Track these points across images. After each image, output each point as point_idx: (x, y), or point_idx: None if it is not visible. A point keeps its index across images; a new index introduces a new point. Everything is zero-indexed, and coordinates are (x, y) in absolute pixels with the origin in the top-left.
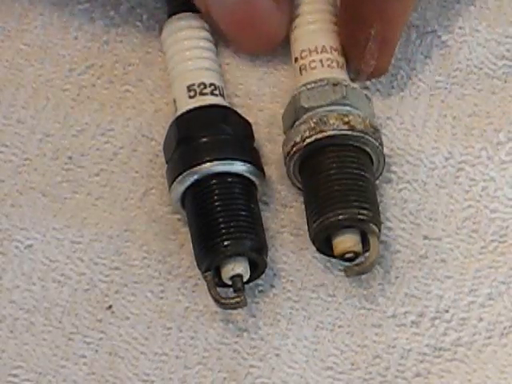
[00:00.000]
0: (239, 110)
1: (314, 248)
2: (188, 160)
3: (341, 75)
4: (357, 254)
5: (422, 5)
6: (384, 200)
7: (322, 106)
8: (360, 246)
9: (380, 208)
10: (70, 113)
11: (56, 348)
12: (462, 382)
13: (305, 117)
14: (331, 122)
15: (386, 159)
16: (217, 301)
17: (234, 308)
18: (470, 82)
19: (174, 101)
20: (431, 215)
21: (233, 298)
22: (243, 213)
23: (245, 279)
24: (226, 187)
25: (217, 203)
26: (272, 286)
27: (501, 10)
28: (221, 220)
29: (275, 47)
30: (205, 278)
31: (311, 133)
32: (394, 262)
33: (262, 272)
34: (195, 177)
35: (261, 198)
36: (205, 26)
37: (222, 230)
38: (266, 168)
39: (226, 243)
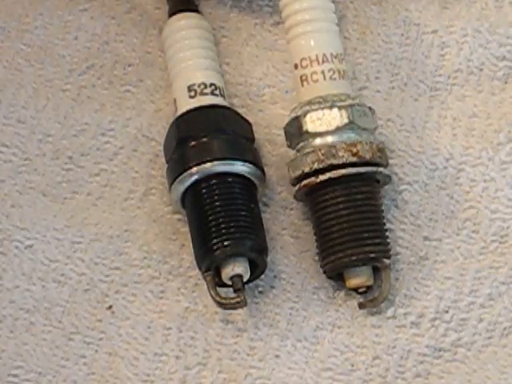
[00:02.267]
0: (239, 111)
1: (313, 250)
2: (188, 160)
3: (344, 88)
4: (369, 288)
5: (423, 5)
6: (385, 201)
7: (328, 133)
8: (372, 279)
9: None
10: (70, 113)
11: (56, 348)
12: (462, 382)
13: (311, 141)
14: (340, 154)
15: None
16: (217, 301)
17: (234, 308)
18: (471, 83)
19: (175, 100)
20: (432, 216)
21: (233, 299)
22: (243, 213)
23: (245, 279)
24: (226, 187)
25: (217, 203)
26: (272, 287)
27: (502, 11)
28: (221, 220)
29: None
30: (205, 278)
31: (320, 165)
32: (394, 264)
33: (262, 272)
34: (195, 177)
35: (261, 200)
36: (205, 25)
37: (222, 230)
38: (266, 169)
39: (226, 243)
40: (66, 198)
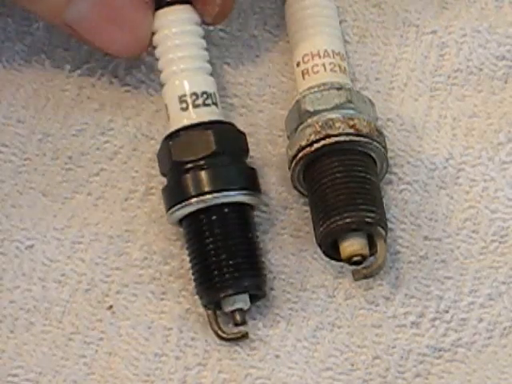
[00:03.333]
0: (239, 111)
1: (313, 250)
2: (183, 191)
3: (344, 80)
4: (364, 257)
5: (422, 5)
6: (385, 201)
7: (326, 110)
8: (367, 248)
9: None
10: (69, 113)
11: (56, 348)
12: (462, 382)
13: (309, 121)
14: (337, 125)
15: None
16: (218, 335)
17: (237, 341)
18: (471, 83)
19: (166, 106)
20: (431, 216)
21: (235, 333)
22: (242, 247)
23: (245, 309)
24: (222, 219)
25: (213, 239)
26: (271, 288)
27: (501, 11)
28: (220, 258)
29: (144, 48)
30: (206, 312)
31: (317, 136)
32: (394, 263)
33: (261, 298)
34: (191, 208)
35: (261, 199)
36: (195, 18)
37: (221, 268)
38: (266, 169)
39: (225, 284)
40: (66, 198)
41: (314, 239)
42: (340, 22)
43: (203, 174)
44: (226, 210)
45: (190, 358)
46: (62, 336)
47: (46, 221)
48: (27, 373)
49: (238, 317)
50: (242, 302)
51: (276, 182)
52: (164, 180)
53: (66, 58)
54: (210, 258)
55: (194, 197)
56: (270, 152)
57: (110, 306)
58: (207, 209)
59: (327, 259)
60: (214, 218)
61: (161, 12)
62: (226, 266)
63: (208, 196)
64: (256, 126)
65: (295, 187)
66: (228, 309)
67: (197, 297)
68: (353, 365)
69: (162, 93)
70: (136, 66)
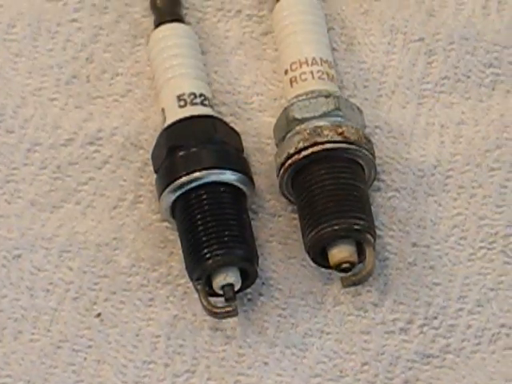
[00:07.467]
0: (227, 119)
1: (302, 256)
2: (178, 169)
3: (332, 87)
4: (352, 265)
5: (410, 13)
6: (373, 208)
7: (314, 118)
8: (356, 256)
9: None
10: (57, 122)
11: (44, 356)
12: None
13: (297, 128)
14: (325, 132)
15: None
16: (208, 310)
17: (226, 317)
18: (458, 91)
19: (163, 110)
20: (420, 223)
21: (224, 308)
22: (234, 222)
23: (236, 288)
24: (216, 197)
25: (207, 213)
26: (260, 295)
27: (489, 18)
28: (211, 230)
29: None
30: (195, 287)
31: (305, 144)
32: (382, 270)
33: (253, 282)
34: (185, 186)
35: (250, 207)
36: (192, 35)
37: (213, 239)
38: (254, 177)
39: (217, 253)
40: (54, 207)
41: (303, 246)
42: (328, 30)
43: (195, 155)
44: (220, 188)
45: (178, 365)
46: (50, 344)
47: (34, 230)
48: (16, 381)
49: (228, 292)
50: (233, 277)
51: (264, 190)
52: (152, 188)
53: (53, 67)
54: (201, 231)
55: (184, 175)
56: (258, 160)
57: (98, 314)
58: (200, 187)
59: (316, 266)
60: (205, 196)
61: (158, 29)
62: (217, 237)
63: (197, 174)
64: (244, 134)
65: (283, 195)
66: (219, 284)
67: (185, 302)
68: (341, 371)
69: (158, 98)
70: (124, 75)
